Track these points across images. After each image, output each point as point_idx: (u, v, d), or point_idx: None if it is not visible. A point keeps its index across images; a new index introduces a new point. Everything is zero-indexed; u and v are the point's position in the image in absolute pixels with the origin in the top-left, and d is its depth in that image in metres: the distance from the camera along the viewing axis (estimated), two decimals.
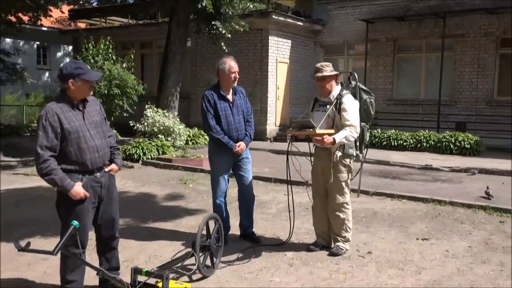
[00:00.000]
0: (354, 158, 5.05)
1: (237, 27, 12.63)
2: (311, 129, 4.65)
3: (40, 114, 3.56)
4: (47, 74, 28.99)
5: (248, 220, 5.51)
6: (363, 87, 5.20)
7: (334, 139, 4.60)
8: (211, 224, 4.51)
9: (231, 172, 5.42)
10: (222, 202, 5.34)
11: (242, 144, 5.21)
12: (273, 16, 15.30)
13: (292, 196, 5.29)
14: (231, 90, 5.29)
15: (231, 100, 5.25)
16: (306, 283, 4.24)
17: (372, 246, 5.26)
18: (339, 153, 4.80)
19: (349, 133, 4.69)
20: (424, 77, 15.98)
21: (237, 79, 5.25)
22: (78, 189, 3.52)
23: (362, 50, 16.38)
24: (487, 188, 7.78)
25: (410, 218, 6.43)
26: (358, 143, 5.06)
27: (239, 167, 5.35)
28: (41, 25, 22.89)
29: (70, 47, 24.69)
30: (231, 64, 5.14)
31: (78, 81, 3.56)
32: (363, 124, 5.04)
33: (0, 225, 5.65)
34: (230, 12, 12.04)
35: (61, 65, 3.80)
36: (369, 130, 5.32)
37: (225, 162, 5.27)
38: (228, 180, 5.39)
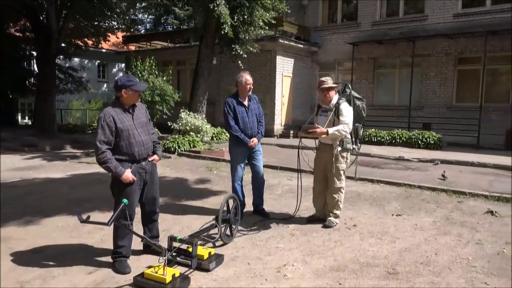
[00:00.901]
0: (351, 151, 5.02)
1: (251, 49, 12.56)
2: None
3: (99, 116, 3.56)
4: (105, 85, 29.14)
5: (259, 199, 5.46)
6: (356, 95, 5.12)
7: (327, 130, 4.62)
8: (231, 202, 4.47)
9: (246, 161, 5.37)
10: (239, 185, 5.32)
11: (255, 140, 5.19)
12: (280, 40, 15.25)
13: (300, 181, 5.30)
14: (247, 98, 5.25)
15: (247, 105, 5.22)
16: (304, 249, 4.18)
17: (356, 220, 5.18)
18: (339, 148, 4.79)
19: (342, 127, 4.67)
20: (397, 87, 15.78)
21: (251, 89, 5.22)
22: (128, 174, 3.52)
23: (349, 67, 16.22)
24: (444, 172, 8.07)
25: (386, 199, 6.33)
26: (354, 139, 5.03)
27: (252, 157, 5.30)
28: (101, 48, 23.09)
29: (123, 65, 24.79)
30: (246, 77, 5.13)
31: (129, 90, 3.57)
32: (357, 124, 5.02)
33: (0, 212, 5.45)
34: (246, 37, 11.99)
35: (116, 78, 3.78)
36: (362, 129, 5.25)
37: (241, 153, 5.24)
38: (244, 167, 5.35)
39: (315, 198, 5.14)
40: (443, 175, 7.83)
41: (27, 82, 21.22)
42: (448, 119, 14.03)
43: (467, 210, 5.65)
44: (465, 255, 4.03)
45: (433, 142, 12.24)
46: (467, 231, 4.77)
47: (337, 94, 4.92)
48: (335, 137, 4.73)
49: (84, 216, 3.15)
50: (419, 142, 12.43)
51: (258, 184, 5.41)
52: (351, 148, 4.93)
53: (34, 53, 20.10)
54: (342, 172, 4.89)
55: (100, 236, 4.49)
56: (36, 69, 20.14)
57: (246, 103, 5.23)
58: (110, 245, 3.90)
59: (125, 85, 3.56)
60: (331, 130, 4.63)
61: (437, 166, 9.42)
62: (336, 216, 4.97)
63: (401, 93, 15.55)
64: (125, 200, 3.30)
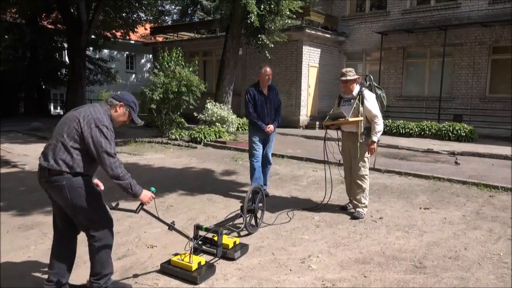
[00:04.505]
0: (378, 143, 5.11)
1: (278, 39, 12.49)
2: (342, 119, 4.81)
3: (104, 122, 2.81)
4: (133, 76, 29.65)
5: (264, 179, 5.89)
6: (376, 84, 5.22)
7: (373, 140, 4.81)
8: (256, 193, 4.48)
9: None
10: (254, 163, 5.72)
11: (271, 126, 5.69)
12: (306, 30, 15.07)
13: (330, 172, 5.33)
14: (266, 88, 5.69)
15: (266, 95, 5.67)
16: (329, 240, 4.16)
17: (383, 213, 5.11)
18: (363, 136, 4.88)
19: (377, 126, 4.81)
20: (427, 78, 15.36)
21: (270, 79, 5.64)
22: (146, 193, 3.03)
23: (377, 57, 15.90)
24: (456, 158, 8.76)
25: (414, 191, 6.21)
26: None
27: (265, 144, 5.83)
28: (130, 39, 23.47)
29: (150, 55, 25.13)
30: (266, 69, 5.59)
31: (127, 110, 3.00)
32: None
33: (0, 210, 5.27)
34: (272, 27, 11.94)
35: (125, 93, 3.12)
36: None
37: (259, 138, 5.73)
38: (261, 151, 5.78)
39: (347, 186, 5.25)
40: (456, 162, 8.34)
41: (59, 73, 21.89)
42: (480, 111, 13.61)
43: (498, 205, 5.48)
44: (496, 250, 3.91)
45: (464, 134, 11.88)
46: (498, 226, 4.62)
47: (358, 85, 4.99)
48: (376, 130, 4.84)
49: (113, 204, 3.22)
50: (450, 134, 12.09)
51: (264, 166, 5.89)
52: (376, 140, 4.90)
53: (66, 45, 20.66)
54: (366, 160, 4.95)
55: (128, 223, 4.61)
56: (67, 61, 20.70)
57: (266, 92, 5.68)
58: (139, 232, 4.00)
59: (128, 103, 2.99)
60: (375, 138, 4.81)
61: (468, 158, 9.13)
62: (365, 207, 4.99)
63: (431, 83, 15.14)
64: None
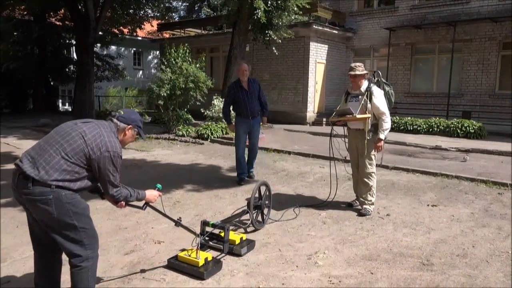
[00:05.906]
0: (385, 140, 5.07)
1: (285, 35, 12.45)
2: (350, 115, 4.74)
3: (114, 150, 2.60)
4: (140, 72, 29.74)
5: (250, 164, 6.61)
6: (385, 81, 5.15)
7: (380, 138, 4.76)
8: (262, 189, 4.48)
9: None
10: (238, 153, 6.36)
11: (264, 119, 6.51)
12: (314, 26, 15.00)
13: (336, 169, 5.32)
14: (246, 82, 6.20)
15: (246, 89, 6.19)
16: (336, 237, 4.16)
17: (390, 210, 5.09)
18: (370, 133, 4.83)
19: (384, 124, 4.75)
20: (436, 74, 15.23)
21: (245, 74, 6.18)
22: (149, 192, 3.11)
23: (385, 53, 15.79)
24: (465, 155, 8.78)
25: (422, 188, 6.17)
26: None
27: (251, 133, 6.40)
28: (137, 36, 23.55)
29: (157, 52, 25.16)
30: (242, 65, 6.27)
31: (135, 130, 2.86)
32: None
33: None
34: (280, 23, 11.91)
35: (130, 112, 2.93)
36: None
37: (243, 129, 6.33)
38: (246, 140, 6.39)
39: (354, 183, 5.23)
40: (463, 157, 8.50)
41: (67, 70, 22.03)
42: (490, 107, 13.48)
43: (507, 202, 5.43)
44: (504, 248, 3.88)
45: (473, 131, 11.76)
46: (507, 223, 4.58)
47: (367, 81, 4.92)
48: (383, 127, 4.79)
49: None
50: (458, 131, 11.98)
51: (251, 153, 6.58)
52: (384, 138, 4.85)
53: (74, 42, 20.78)
54: (373, 157, 4.92)
55: (136, 219, 4.63)
56: (75, 57, 20.82)
57: (246, 86, 6.18)
58: (146, 228, 4.01)
59: (136, 123, 2.84)
60: (382, 136, 4.76)
61: (477, 155, 9.04)
62: (371, 204, 4.96)
63: (440, 80, 15.02)
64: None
